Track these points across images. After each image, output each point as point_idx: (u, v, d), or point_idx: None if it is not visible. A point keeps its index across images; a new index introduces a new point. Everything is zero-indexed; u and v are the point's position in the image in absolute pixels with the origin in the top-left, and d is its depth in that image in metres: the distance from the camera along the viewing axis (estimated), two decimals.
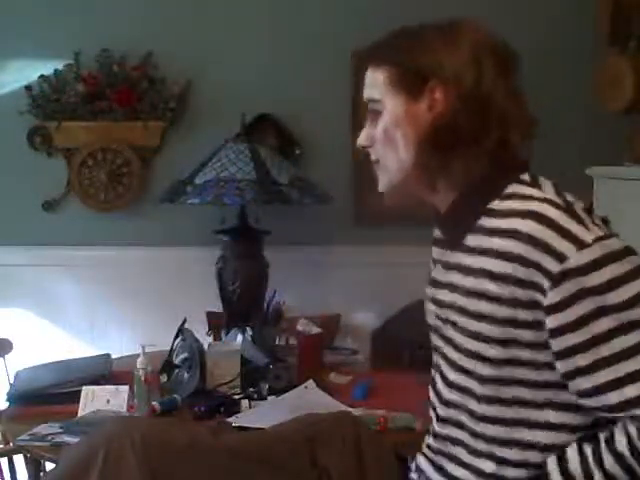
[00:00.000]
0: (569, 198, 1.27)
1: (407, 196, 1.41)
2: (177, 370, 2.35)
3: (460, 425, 1.35)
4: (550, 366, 1.23)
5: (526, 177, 1.30)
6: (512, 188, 1.29)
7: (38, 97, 2.91)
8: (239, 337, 2.59)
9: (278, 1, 3.06)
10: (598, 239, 1.18)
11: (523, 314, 1.22)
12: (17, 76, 2.97)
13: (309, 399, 2.21)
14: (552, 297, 1.18)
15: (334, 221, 3.06)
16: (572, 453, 1.23)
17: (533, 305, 1.21)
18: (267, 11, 3.04)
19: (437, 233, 1.46)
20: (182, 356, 2.38)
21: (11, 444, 2.22)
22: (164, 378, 2.32)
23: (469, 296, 1.29)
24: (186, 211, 2.91)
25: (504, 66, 1.32)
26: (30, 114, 2.92)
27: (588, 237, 1.18)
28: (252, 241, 2.77)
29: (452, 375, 1.35)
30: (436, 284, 1.41)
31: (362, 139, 1.41)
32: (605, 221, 1.27)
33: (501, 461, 1.29)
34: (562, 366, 1.21)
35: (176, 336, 2.46)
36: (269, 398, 2.25)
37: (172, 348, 2.43)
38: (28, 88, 2.91)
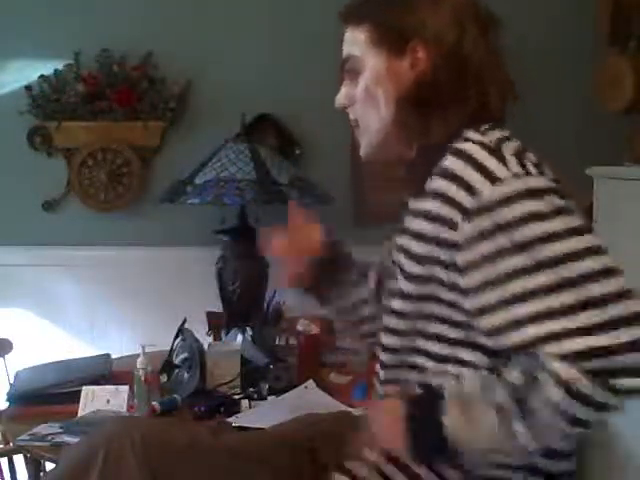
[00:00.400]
0: (509, 143, 1.25)
1: (387, 154, 1.41)
2: (177, 370, 2.35)
3: (394, 364, 1.36)
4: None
5: (485, 126, 1.29)
6: (465, 133, 1.29)
7: (38, 97, 2.91)
8: (239, 337, 2.59)
9: (278, 1, 3.07)
10: (515, 175, 1.17)
11: (440, 253, 1.23)
12: (17, 76, 2.97)
13: (309, 399, 2.21)
14: (462, 233, 1.18)
15: (334, 221, 3.05)
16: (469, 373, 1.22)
17: (447, 244, 1.21)
18: (267, 11, 3.05)
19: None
20: (182, 356, 2.38)
21: (11, 444, 2.22)
22: (164, 378, 2.32)
23: (409, 237, 1.31)
24: (186, 211, 2.91)
25: (484, 27, 1.34)
26: (30, 114, 2.92)
27: (504, 173, 1.17)
28: (252, 241, 2.76)
29: (386, 319, 1.37)
30: (400, 230, 1.41)
31: (341, 98, 1.40)
32: (557, 181, 1.23)
33: None
34: (468, 304, 1.21)
35: (176, 336, 2.46)
36: (269, 398, 2.25)
37: (172, 348, 2.43)
38: (28, 88, 2.92)
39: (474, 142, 1.25)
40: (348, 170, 3.05)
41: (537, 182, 1.18)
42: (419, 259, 1.28)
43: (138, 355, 2.17)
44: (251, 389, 2.28)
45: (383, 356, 1.41)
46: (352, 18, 1.38)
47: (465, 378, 1.22)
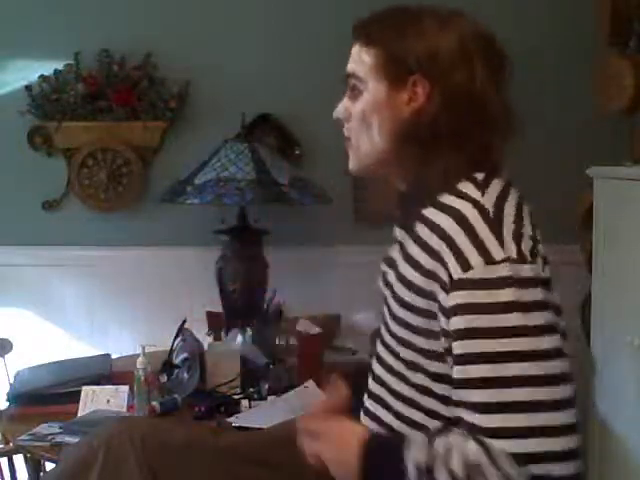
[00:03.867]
0: (508, 205, 1.25)
1: (374, 175, 1.42)
2: (177, 370, 2.36)
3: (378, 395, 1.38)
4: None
5: (480, 176, 1.28)
6: (462, 185, 1.27)
7: (38, 97, 2.91)
8: (239, 337, 2.59)
9: (278, 1, 3.06)
10: (507, 260, 1.17)
11: (422, 303, 1.24)
12: (17, 76, 2.97)
13: (309, 399, 2.21)
14: (446, 300, 1.19)
15: (334, 221, 3.06)
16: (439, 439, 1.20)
17: (432, 297, 1.22)
18: (267, 11, 3.04)
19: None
20: (182, 356, 2.38)
21: (11, 444, 2.22)
22: (164, 378, 2.33)
23: (397, 278, 1.32)
24: (186, 211, 2.91)
25: (495, 67, 1.30)
26: (30, 114, 2.92)
27: (499, 254, 1.17)
28: (252, 241, 2.77)
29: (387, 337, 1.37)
30: (389, 261, 1.41)
31: (339, 112, 1.39)
32: (535, 240, 1.23)
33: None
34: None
35: (176, 336, 2.46)
36: (269, 398, 2.25)
37: (172, 348, 2.43)
38: (28, 88, 2.91)
39: (474, 205, 1.22)
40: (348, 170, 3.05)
41: (526, 271, 1.17)
42: (404, 304, 1.29)
43: (138, 355, 2.17)
44: (251, 389, 2.28)
45: (371, 384, 1.42)
46: (362, 37, 1.36)
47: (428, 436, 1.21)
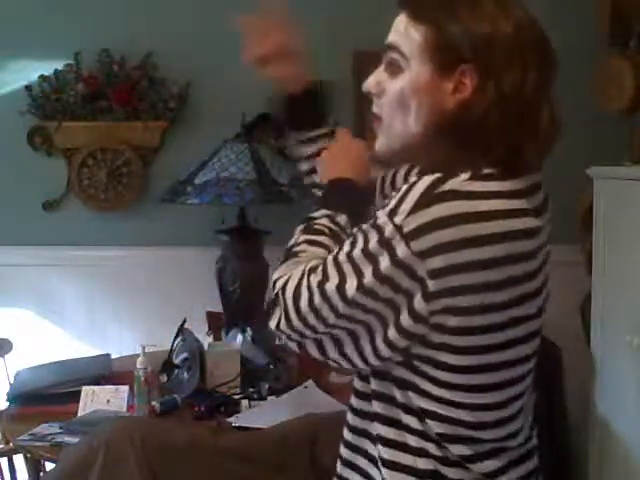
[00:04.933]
0: (459, 186, 1.14)
1: (400, 160, 1.38)
2: (177, 370, 2.36)
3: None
4: None
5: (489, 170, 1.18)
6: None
7: (38, 97, 2.91)
8: (239, 337, 2.59)
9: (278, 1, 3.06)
10: (397, 227, 1.11)
11: None
12: (17, 76, 2.97)
13: (309, 399, 2.21)
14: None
15: None
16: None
17: None
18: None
19: None
20: (182, 356, 2.38)
21: (11, 444, 2.22)
22: (164, 378, 2.33)
23: None
24: (186, 211, 2.90)
25: (547, 71, 1.21)
26: (30, 114, 2.92)
27: (399, 216, 1.12)
28: (252, 241, 2.77)
29: None
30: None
31: (371, 84, 1.28)
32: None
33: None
34: None
35: (176, 336, 2.46)
36: (269, 398, 2.25)
37: (172, 348, 2.43)
38: (28, 88, 2.91)
39: (437, 177, 1.13)
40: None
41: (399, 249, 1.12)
42: None
43: (138, 355, 2.17)
44: (251, 389, 2.28)
45: None
46: (411, 9, 1.23)
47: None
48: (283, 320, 1.21)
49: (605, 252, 2.56)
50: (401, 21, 1.24)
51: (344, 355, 1.20)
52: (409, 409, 1.19)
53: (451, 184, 1.13)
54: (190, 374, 2.30)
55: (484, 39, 1.17)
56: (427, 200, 1.11)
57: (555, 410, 2.27)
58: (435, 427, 1.18)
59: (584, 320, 2.79)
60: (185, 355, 2.37)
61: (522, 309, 1.18)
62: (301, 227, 1.33)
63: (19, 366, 2.51)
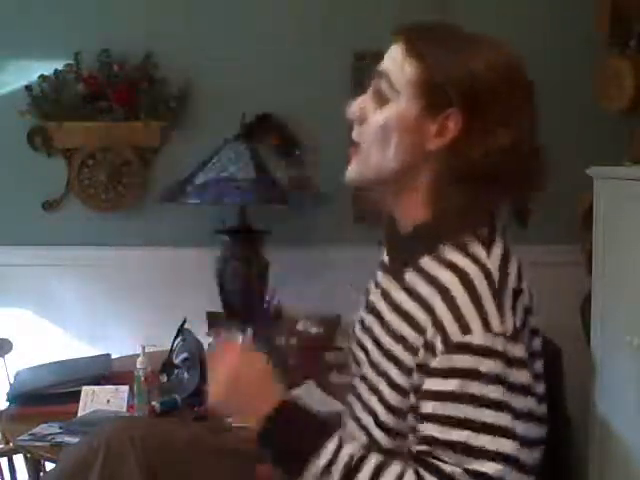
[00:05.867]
0: (510, 270, 1.18)
1: (369, 191, 1.33)
2: (177, 370, 2.36)
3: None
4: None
5: (484, 232, 1.19)
6: (467, 239, 1.18)
7: (38, 97, 2.91)
8: (239, 337, 2.59)
9: (278, 1, 3.06)
10: (503, 334, 1.11)
11: (407, 358, 1.17)
12: (17, 76, 2.97)
13: (309, 399, 2.21)
14: (432, 359, 1.13)
15: (334, 221, 3.06)
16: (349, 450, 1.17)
17: (415, 351, 1.16)
18: (267, 11, 3.04)
19: (385, 258, 1.37)
20: (182, 356, 2.38)
21: (11, 444, 2.22)
22: (164, 378, 2.33)
23: (381, 326, 1.26)
24: (186, 211, 2.91)
25: (534, 116, 1.23)
26: (30, 114, 2.92)
27: (498, 327, 1.11)
28: (252, 241, 2.77)
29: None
30: (370, 307, 1.36)
31: (354, 110, 1.25)
32: (528, 310, 1.19)
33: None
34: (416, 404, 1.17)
35: (176, 336, 2.46)
36: None
37: (172, 348, 2.43)
38: (28, 88, 2.91)
39: (481, 268, 1.14)
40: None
41: (516, 352, 1.12)
42: (386, 353, 1.23)
43: (138, 355, 2.17)
44: None
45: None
46: (408, 44, 1.20)
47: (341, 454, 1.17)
48: None
49: (605, 252, 2.56)
50: (396, 53, 1.21)
51: None
52: None
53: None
54: (190, 374, 2.30)
55: (473, 87, 1.15)
56: (494, 292, 1.13)
57: (555, 410, 2.27)
58: None
59: (584, 320, 2.79)
60: (185, 355, 2.37)
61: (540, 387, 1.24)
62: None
63: (19, 366, 2.51)
